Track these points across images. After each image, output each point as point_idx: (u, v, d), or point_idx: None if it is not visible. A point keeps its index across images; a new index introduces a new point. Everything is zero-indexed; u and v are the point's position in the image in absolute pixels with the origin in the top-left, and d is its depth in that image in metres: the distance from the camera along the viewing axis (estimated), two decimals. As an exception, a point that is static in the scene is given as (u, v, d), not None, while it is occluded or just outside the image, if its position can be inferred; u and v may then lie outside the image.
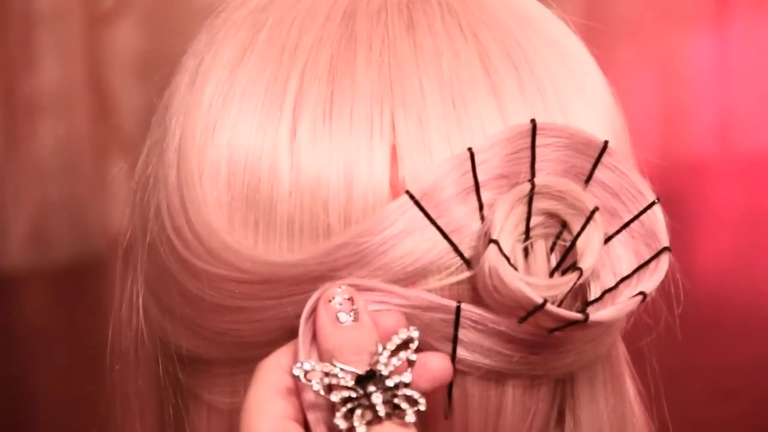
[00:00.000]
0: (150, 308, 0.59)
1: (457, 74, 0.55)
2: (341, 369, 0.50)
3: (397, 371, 0.50)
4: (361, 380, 0.50)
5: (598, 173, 0.55)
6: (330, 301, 0.52)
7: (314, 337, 0.52)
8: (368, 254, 0.52)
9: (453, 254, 0.53)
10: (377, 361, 0.50)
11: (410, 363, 0.50)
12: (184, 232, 0.55)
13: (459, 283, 0.53)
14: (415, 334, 0.51)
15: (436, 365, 0.52)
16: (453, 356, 0.53)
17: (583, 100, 0.57)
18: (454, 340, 0.53)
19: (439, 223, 0.53)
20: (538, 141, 0.54)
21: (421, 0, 0.57)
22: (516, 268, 0.52)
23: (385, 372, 0.50)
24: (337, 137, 0.54)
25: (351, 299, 0.51)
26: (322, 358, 0.51)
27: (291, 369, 0.51)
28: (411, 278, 0.53)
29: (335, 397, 0.50)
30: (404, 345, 0.51)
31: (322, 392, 0.50)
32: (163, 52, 3.36)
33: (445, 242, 0.53)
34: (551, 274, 0.54)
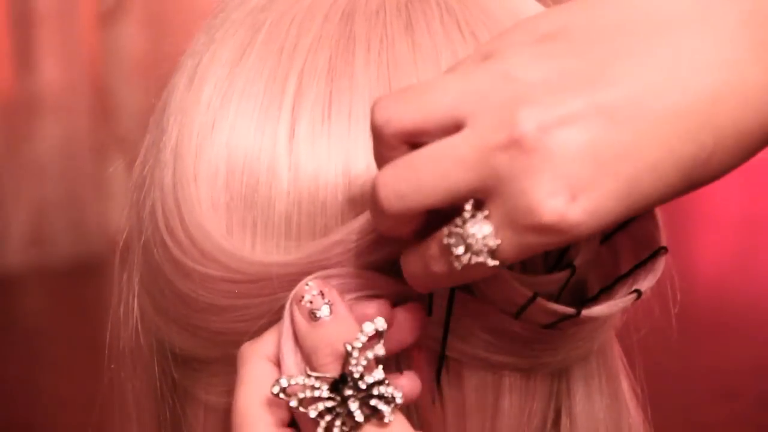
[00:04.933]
0: (145, 308, 0.59)
1: (456, 74, 0.55)
2: (316, 378, 0.50)
3: (369, 369, 0.50)
4: (337, 385, 0.50)
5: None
6: (300, 300, 0.52)
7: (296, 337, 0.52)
8: (361, 252, 0.52)
9: None
10: (349, 362, 0.50)
11: (379, 360, 0.50)
12: (177, 232, 0.55)
13: None
14: (381, 326, 0.50)
15: (402, 318, 0.52)
16: (444, 341, 0.53)
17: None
18: (446, 326, 0.53)
19: None
20: None
21: (420, 0, 0.57)
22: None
23: (356, 374, 0.50)
24: (336, 137, 0.54)
25: (321, 293, 0.51)
26: (304, 359, 0.51)
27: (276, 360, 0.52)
28: None
29: (313, 412, 0.50)
30: (376, 338, 0.50)
31: (301, 409, 0.50)
32: (163, 52, 3.36)
33: None
34: (546, 271, 0.54)
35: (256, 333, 0.54)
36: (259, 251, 0.54)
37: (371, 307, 0.52)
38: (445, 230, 0.48)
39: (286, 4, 0.58)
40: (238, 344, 0.55)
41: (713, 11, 0.48)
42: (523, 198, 0.46)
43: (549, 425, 0.57)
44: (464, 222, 0.47)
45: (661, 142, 0.46)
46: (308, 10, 0.57)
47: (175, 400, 0.59)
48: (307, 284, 0.52)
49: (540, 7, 0.60)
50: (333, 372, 0.50)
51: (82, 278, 3.31)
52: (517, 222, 0.46)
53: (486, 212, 0.47)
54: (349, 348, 0.50)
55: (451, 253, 0.47)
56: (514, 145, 0.46)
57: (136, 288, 0.59)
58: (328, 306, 0.51)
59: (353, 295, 0.52)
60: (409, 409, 0.53)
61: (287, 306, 0.52)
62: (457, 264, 0.47)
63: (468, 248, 0.47)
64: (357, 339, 0.50)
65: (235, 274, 0.53)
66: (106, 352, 0.64)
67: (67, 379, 2.74)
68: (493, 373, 0.55)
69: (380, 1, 0.57)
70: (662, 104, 0.47)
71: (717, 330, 2.91)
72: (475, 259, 0.47)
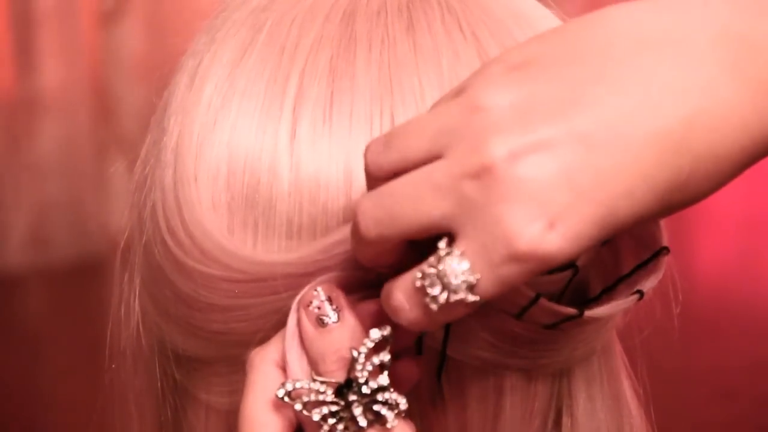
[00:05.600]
0: (146, 308, 0.59)
1: (457, 74, 0.55)
2: (321, 383, 0.50)
3: (374, 375, 0.50)
4: (342, 390, 0.50)
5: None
6: (308, 305, 0.52)
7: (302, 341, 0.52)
8: None
9: None
10: (354, 368, 0.50)
11: (383, 366, 0.50)
12: (178, 232, 0.55)
13: None
14: (388, 333, 0.50)
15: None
16: (444, 342, 0.53)
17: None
18: (447, 327, 0.53)
19: None
20: None
21: (421, 0, 0.57)
22: None
23: (361, 379, 0.50)
24: (337, 137, 0.54)
25: (330, 298, 0.51)
26: (310, 365, 0.51)
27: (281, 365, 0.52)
28: None
29: (316, 416, 0.50)
30: (383, 344, 0.50)
31: (305, 412, 0.50)
32: (163, 53, 3.37)
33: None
34: (548, 271, 0.54)
35: (264, 337, 0.54)
36: (260, 251, 0.54)
37: (376, 305, 0.52)
38: (417, 273, 0.47)
39: (287, 5, 0.58)
40: (239, 344, 0.55)
41: (684, 34, 0.48)
42: (498, 227, 0.45)
43: (550, 425, 0.57)
44: (439, 260, 0.46)
45: (636, 166, 0.46)
46: (309, 10, 0.57)
47: (176, 400, 0.60)
48: (315, 290, 0.52)
49: (541, 7, 0.60)
50: (339, 377, 0.50)
51: (82, 278, 3.31)
52: (493, 253, 0.46)
53: (461, 249, 0.46)
54: (355, 354, 0.50)
55: (426, 294, 0.47)
56: (486, 172, 0.46)
57: (137, 288, 0.59)
58: (336, 312, 0.51)
59: (356, 296, 0.52)
60: (410, 409, 0.53)
61: (292, 310, 0.52)
62: (434, 306, 0.47)
63: (445, 287, 0.46)
64: (363, 345, 0.50)
65: (236, 274, 0.53)
66: (107, 352, 0.64)
67: (67, 379, 2.74)
68: (495, 374, 0.55)
69: (381, 1, 0.57)
70: (636, 129, 0.46)
71: (718, 330, 2.91)
72: (454, 297, 0.46)
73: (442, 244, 0.46)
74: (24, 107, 3.44)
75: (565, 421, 0.57)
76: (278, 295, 0.53)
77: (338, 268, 0.52)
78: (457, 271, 0.46)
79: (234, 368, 0.55)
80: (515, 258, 0.45)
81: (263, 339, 0.54)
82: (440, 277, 0.46)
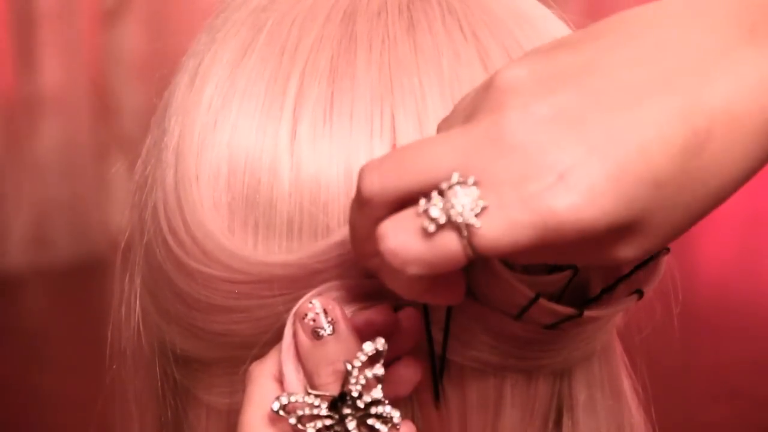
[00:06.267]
0: (147, 309, 0.59)
1: (458, 74, 0.55)
2: (315, 396, 0.50)
3: (368, 388, 0.50)
4: (336, 404, 0.50)
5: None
6: (304, 318, 0.52)
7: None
8: None
9: None
10: (348, 381, 0.50)
11: (378, 379, 0.50)
12: (179, 232, 0.55)
13: None
14: (381, 346, 0.50)
15: (401, 323, 0.52)
16: (444, 346, 0.53)
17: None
18: (446, 329, 0.53)
19: None
20: None
21: (421, 0, 0.57)
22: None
23: (355, 392, 0.50)
24: (338, 138, 0.54)
25: (325, 310, 0.51)
26: (306, 377, 0.51)
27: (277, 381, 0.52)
28: None
29: (311, 430, 0.50)
30: (376, 357, 0.50)
31: (300, 426, 0.50)
32: (163, 53, 3.36)
33: None
34: (547, 270, 0.54)
35: (266, 341, 0.54)
36: (261, 251, 0.54)
37: (373, 313, 0.52)
38: (422, 200, 0.46)
39: (288, 5, 0.58)
40: (239, 346, 0.55)
41: (703, 4, 0.49)
42: (509, 173, 0.45)
43: (551, 425, 0.57)
44: (450, 186, 0.45)
45: (649, 123, 0.46)
46: (310, 10, 0.57)
47: (176, 401, 0.60)
48: (310, 302, 0.52)
49: (541, 7, 0.60)
50: (333, 390, 0.50)
51: (83, 278, 3.30)
52: (504, 194, 0.45)
53: (473, 179, 0.45)
54: (349, 367, 0.50)
55: (427, 216, 0.45)
56: (499, 127, 0.46)
57: (138, 288, 0.60)
58: (330, 324, 0.51)
59: (355, 307, 0.52)
60: (412, 411, 0.53)
61: (288, 323, 0.52)
62: (432, 227, 0.45)
63: (448, 210, 0.45)
64: (357, 358, 0.50)
65: (236, 275, 0.53)
66: (108, 352, 0.64)
67: (68, 379, 2.74)
68: (495, 375, 0.55)
69: (382, 1, 0.57)
70: (650, 87, 0.46)
71: (718, 329, 2.91)
72: (456, 218, 0.45)
73: (454, 174, 0.46)
74: (24, 107, 3.44)
75: (566, 421, 0.57)
76: (278, 297, 0.53)
77: (338, 271, 0.52)
78: (465, 194, 0.45)
79: (235, 369, 0.55)
80: (525, 202, 0.45)
81: (265, 341, 0.54)
82: (446, 201, 0.45)
